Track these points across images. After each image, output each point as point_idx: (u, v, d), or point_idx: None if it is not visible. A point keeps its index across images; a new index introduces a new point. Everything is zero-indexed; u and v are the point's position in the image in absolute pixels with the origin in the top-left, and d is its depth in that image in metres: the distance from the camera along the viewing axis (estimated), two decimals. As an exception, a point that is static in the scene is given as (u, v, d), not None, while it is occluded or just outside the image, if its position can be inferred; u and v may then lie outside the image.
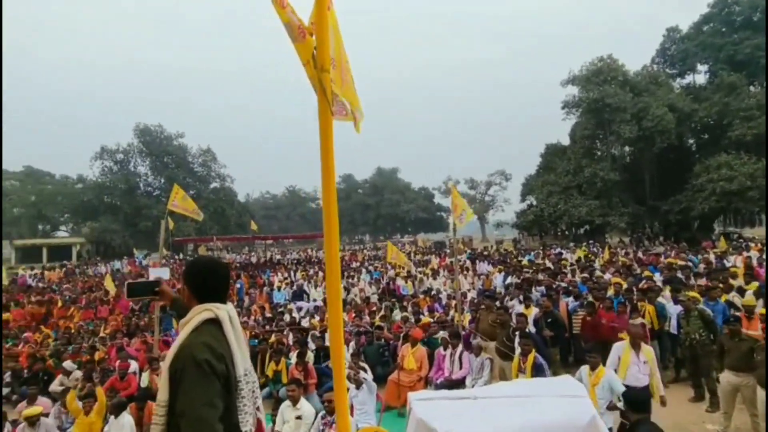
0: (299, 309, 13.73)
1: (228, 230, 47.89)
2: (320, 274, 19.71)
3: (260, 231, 29.03)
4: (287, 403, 5.22)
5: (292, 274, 21.09)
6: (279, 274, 21.17)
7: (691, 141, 32.84)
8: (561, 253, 19.39)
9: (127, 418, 5.50)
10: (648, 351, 5.48)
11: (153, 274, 8.03)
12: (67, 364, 7.81)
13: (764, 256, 12.40)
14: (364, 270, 20.65)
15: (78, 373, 7.56)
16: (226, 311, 1.81)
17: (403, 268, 19.43)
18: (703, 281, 9.56)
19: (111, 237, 43.01)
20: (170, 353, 1.71)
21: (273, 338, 9.02)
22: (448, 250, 28.17)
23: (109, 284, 15.27)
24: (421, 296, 14.22)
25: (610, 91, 30.19)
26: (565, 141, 36.05)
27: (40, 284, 20.21)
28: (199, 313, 1.77)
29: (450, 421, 2.56)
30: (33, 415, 5.16)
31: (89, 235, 45.36)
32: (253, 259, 31.07)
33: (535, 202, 34.45)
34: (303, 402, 5.19)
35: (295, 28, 1.94)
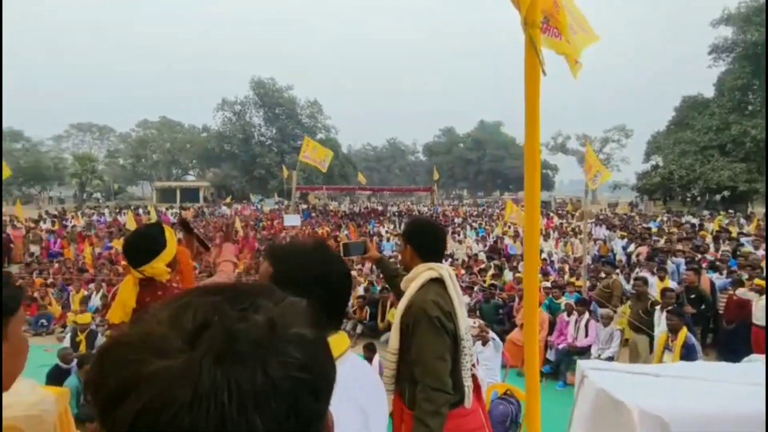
0: (407, 261, 14.10)
1: (332, 180, 50.14)
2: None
3: (368, 183, 29.98)
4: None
5: (396, 226, 21.60)
6: (384, 225, 21.82)
7: None
8: (702, 223, 17.29)
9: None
10: None
11: (288, 220, 8.71)
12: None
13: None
14: (468, 227, 20.46)
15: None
16: (447, 270, 1.86)
17: (510, 227, 18.89)
18: None
19: (231, 182, 47.35)
20: (400, 307, 1.82)
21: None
22: (568, 211, 26.61)
23: (237, 225, 16.91)
24: (532, 257, 13.77)
25: (776, 31, 25.16)
26: (709, 93, 31.16)
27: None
28: (424, 271, 1.84)
29: (638, 396, 2.42)
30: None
31: (213, 179, 50.49)
32: (356, 210, 32.32)
33: (662, 163, 30.82)
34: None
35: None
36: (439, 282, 1.85)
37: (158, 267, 1.89)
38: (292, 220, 8.25)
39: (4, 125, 41.61)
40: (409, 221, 2.13)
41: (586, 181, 7.81)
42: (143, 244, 1.91)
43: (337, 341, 1.03)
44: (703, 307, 7.22)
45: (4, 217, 16.44)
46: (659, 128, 34.46)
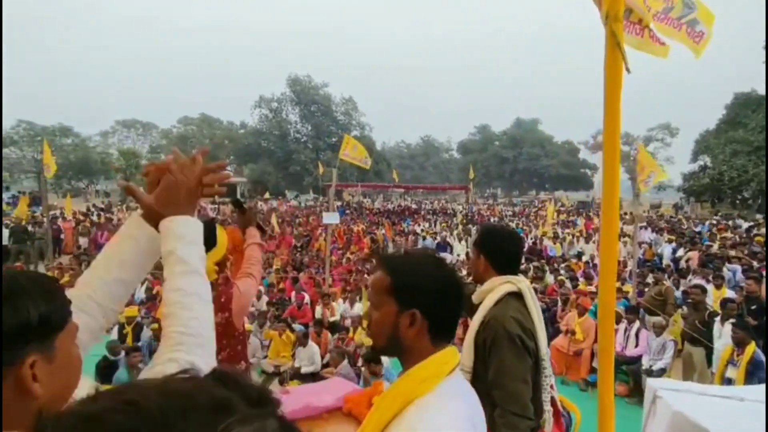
0: (443, 260, 13.92)
1: (366, 177, 50.15)
2: (459, 227, 19.68)
3: (401, 180, 29.82)
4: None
5: (432, 224, 21.40)
6: (419, 223, 21.66)
7: None
8: (757, 227, 16.31)
9: (315, 348, 6.15)
10: None
11: (326, 218, 8.69)
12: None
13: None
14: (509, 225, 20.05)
15: (265, 298, 8.68)
16: (526, 284, 1.73)
17: (549, 228, 18.43)
18: None
19: (267, 178, 48.19)
20: (475, 322, 1.71)
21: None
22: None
23: (273, 221, 17.13)
24: (574, 260, 13.36)
25: (843, 21, 23.35)
26: (763, 89, 29.36)
27: (219, 216, 23.64)
28: (501, 284, 1.72)
29: (723, 423, 2.22)
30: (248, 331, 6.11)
31: (250, 175, 51.53)
32: (390, 207, 32.26)
33: (710, 163, 29.28)
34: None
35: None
36: (517, 297, 1.72)
37: (207, 265, 1.88)
38: (331, 217, 8.21)
39: (56, 121, 43.85)
40: (483, 229, 2.00)
41: (637, 183, 7.44)
42: None
43: (448, 355, 1.04)
44: (765, 318, 6.75)
45: (53, 211, 17.24)
46: (708, 126, 32.77)
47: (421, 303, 1.01)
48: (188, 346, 0.75)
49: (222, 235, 1.97)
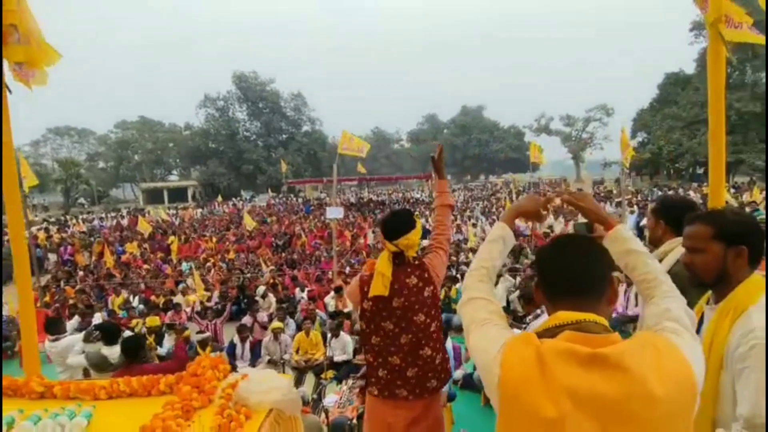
0: (425, 247, 14.31)
1: (321, 172, 49.52)
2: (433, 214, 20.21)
3: (355, 173, 29.78)
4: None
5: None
6: (389, 214, 21.98)
7: None
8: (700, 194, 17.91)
9: (347, 338, 6.27)
10: None
11: (330, 212, 8.78)
12: (260, 289, 8.94)
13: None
14: (476, 209, 20.80)
15: (272, 297, 8.66)
16: None
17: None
18: None
19: (218, 180, 46.57)
20: None
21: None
22: (566, 190, 27.11)
23: (248, 221, 16.82)
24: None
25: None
26: (690, 69, 32.11)
27: (182, 222, 22.78)
28: (680, 245, 2.02)
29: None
30: (281, 328, 6.13)
31: (199, 178, 49.56)
32: (353, 200, 32.30)
33: (647, 139, 31.71)
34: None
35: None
36: None
37: (412, 239, 2.20)
38: (335, 212, 8.33)
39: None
40: (661, 199, 2.29)
41: (623, 160, 8.13)
42: (400, 220, 2.24)
43: (759, 275, 1.43)
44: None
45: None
46: (641, 105, 35.34)
47: (748, 240, 1.40)
48: (669, 298, 1.18)
49: (418, 221, 2.27)
